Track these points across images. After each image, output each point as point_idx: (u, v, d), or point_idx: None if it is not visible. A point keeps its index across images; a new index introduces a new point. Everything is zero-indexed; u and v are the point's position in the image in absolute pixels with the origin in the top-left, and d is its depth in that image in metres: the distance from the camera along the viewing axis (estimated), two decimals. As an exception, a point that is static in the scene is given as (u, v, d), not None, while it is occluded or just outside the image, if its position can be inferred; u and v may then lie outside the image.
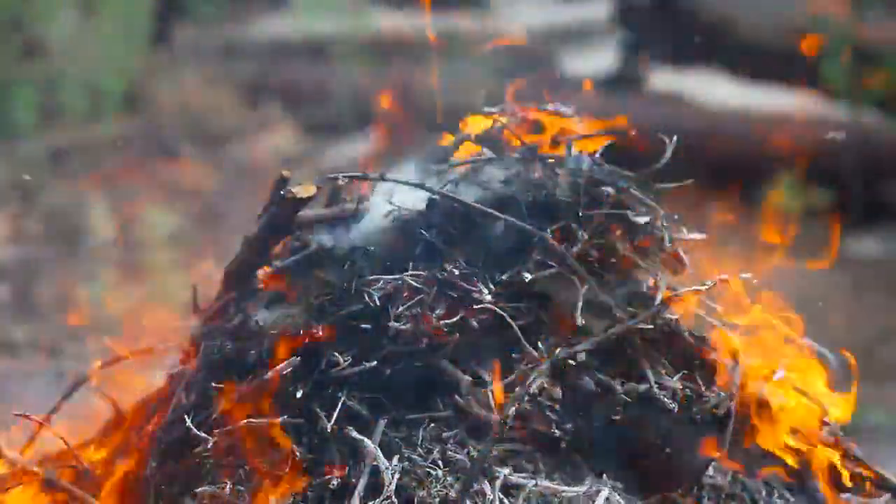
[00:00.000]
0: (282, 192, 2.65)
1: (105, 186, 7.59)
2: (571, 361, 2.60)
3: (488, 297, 2.61)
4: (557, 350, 2.59)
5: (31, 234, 7.08)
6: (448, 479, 2.51)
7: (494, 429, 2.50)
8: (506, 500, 2.49)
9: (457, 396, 2.60)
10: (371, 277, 2.63)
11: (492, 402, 2.55)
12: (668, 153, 2.79)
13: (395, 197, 2.72)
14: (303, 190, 2.66)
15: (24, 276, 6.56)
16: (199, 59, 8.93)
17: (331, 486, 2.51)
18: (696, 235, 2.82)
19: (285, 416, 2.55)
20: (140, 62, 8.61)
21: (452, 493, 2.48)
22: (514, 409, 2.50)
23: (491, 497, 2.48)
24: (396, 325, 2.57)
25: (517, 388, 2.53)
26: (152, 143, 8.16)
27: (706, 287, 2.69)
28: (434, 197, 2.68)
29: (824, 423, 2.84)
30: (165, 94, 8.50)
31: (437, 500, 2.48)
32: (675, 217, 2.81)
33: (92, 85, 8.13)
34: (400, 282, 2.60)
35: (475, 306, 2.60)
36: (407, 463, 2.52)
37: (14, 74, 8.11)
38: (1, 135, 7.92)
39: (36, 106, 7.97)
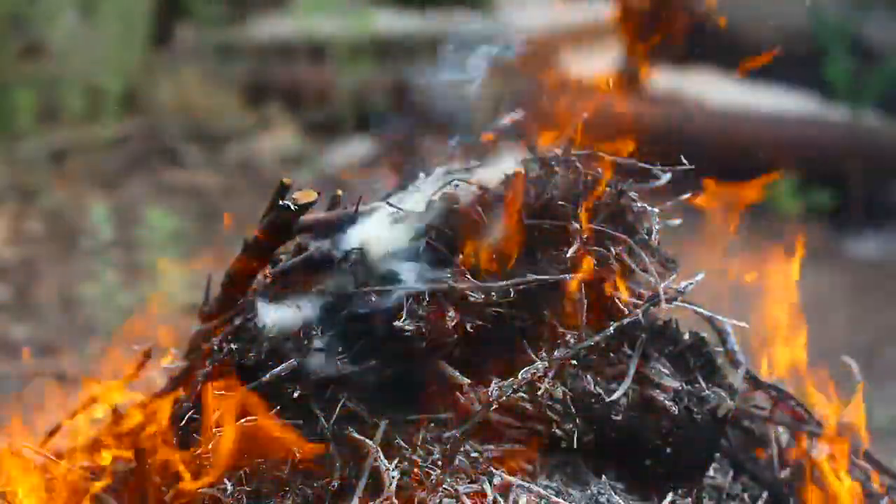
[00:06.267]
0: (282, 202, 2.66)
1: (105, 186, 7.60)
2: (573, 361, 2.61)
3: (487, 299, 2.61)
4: (556, 350, 2.60)
5: (31, 234, 7.08)
6: (448, 479, 2.52)
7: (471, 411, 2.51)
8: (501, 500, 2.49)
9: (458, 395, 2.60)
10: (370, 275, 2.63)
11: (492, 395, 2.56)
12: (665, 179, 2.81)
13: (395, 199, 2.73)
14: (303, 196, 2.67)
15: (24, 276, 6.57)
16: (199, 59, 8.94)
17: (331, 487, 2.52)
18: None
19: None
20: (140, 62, 8.60)
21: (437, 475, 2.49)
22: (497, 392, 2.51)
23: (491, 497, 2.49)
24: (400, 325, 2.57)
25: (510, 380, 2.55)
26: (152, 143, 8.16)
27: (692, 284, 2.70)
28: (433, 198, 2.69)
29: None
30: (165, 94, 8.50)
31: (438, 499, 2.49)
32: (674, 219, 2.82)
33: (92, 85, 8.13)
34: (400, 284, 2.61)
35: (474, 307, 2.60)
36: (406, 463, 2.53)
37: (14, 74, 8.11)
38: (1, 135, 7.92)
39: (36, 106, 7.97)
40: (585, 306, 2.63)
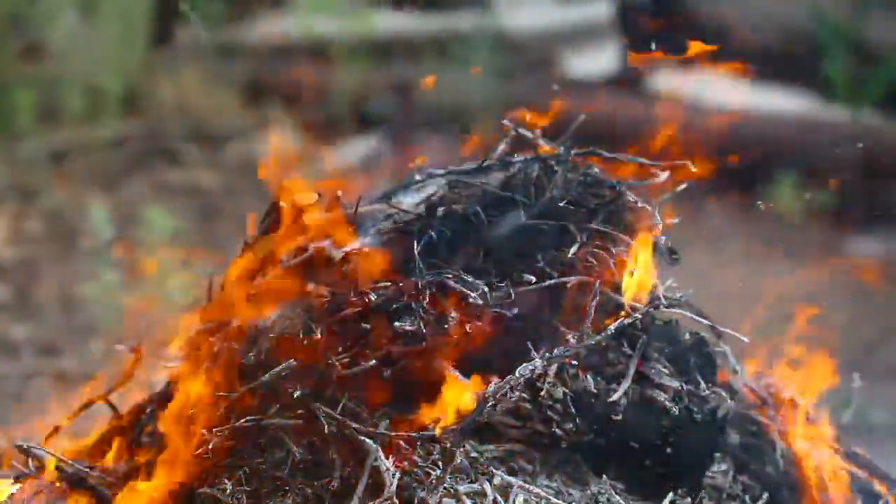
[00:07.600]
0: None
1: (105, 186, 7.60)
2: (573, 361, 2.61)
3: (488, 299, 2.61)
4: (555, 349, 2.60)
5: (31, 234, 7.08)
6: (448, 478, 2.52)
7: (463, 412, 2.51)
8: (501, 500, 2.49)
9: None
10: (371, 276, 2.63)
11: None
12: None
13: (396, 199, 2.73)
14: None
15: (24, 276, 6.56)
16: (199, 59, 8.93)
17: (331, 487, 2.52)
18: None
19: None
20: (140, 62, 8.60)
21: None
22: (492, 389, 2.52)
23: (490, 497, 2.49)
24: (401, 324, 2.57)
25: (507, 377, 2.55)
26: (152, 143, 8.16)
27: (685, 296, 2.70)
28: (434, 199, 2.69)
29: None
30: (165, 94, 8.50)
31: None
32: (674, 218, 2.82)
33: (92, 85, 8.12)
34: (400, 284, 2.61)
35: (475, 308, 2.60)
36: (407, 463, 2.53)
37: (14, 74, 8.11)
38: (1, 135, 7.92)
39: (36, 106, 7.97)
40: (587, 307, 2.63)
